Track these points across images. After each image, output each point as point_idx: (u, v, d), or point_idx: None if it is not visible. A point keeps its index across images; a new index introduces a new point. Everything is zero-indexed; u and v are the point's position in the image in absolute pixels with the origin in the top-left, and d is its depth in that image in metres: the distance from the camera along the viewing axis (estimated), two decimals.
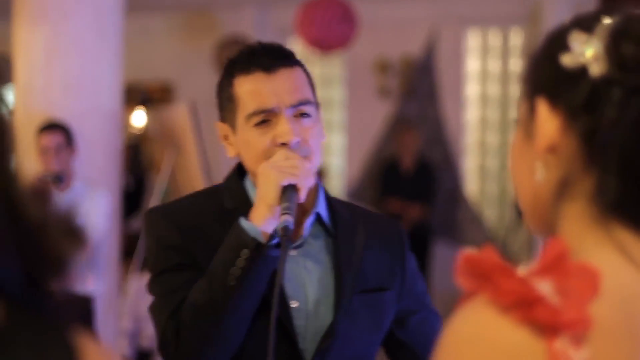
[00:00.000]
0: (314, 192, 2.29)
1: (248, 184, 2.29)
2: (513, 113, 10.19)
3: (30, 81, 6.28)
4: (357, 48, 9.01)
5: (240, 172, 2.32)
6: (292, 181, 2.11)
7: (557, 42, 1.20)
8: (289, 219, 2.06)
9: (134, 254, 6.59)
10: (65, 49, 6.25)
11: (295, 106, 2.20)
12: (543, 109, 1.20)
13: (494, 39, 10.34)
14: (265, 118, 2.19)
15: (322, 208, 2.31)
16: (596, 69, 1.15)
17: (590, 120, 1.15)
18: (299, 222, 2.24)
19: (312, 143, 2.22)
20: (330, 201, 2.34)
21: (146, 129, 11.14)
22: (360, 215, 2.37)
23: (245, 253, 2.07)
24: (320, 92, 9.45)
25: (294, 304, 2.20)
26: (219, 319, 2.10)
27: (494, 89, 10.33)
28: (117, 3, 6.49)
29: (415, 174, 9.68)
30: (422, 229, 9.56)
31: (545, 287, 1.06)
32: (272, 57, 2.23)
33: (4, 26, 7.18)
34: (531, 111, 1.23)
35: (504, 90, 10.28)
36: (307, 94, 2.25)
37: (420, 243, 9.63)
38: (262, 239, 2.09)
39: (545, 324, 1.05)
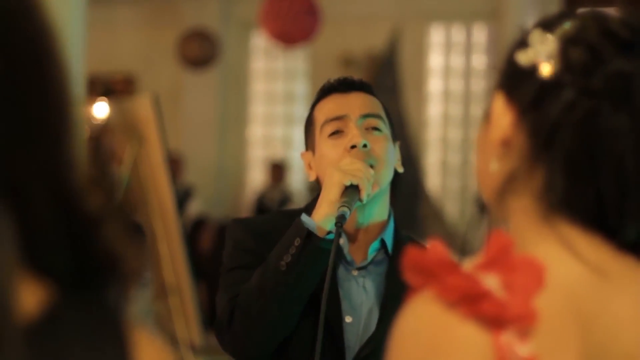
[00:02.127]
0: (383, 222, 2.40)
1: None
2: (475, 109, 10.24)
3: None
4: (320, 42, 9.02)
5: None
6: (354, 181, 2.20)
7: (520, 39, 1.23)
8: (346, 211, 2.17)
9: None
10: None
11: (365, 116, 2.32)
12: (499, 103, 1.22)
13: (457, 34, 10.39)
14: (338, 128, 2.31)
15: (388, 236, 2.40)
16: (545, 69, 1.18)
17: (538, 117, 1.17)
18: (364, 246, 2.36)
19: (380, 153, 2.30)
20: (398, 232, 2.42)
21: (108, 120, 11.09)
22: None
23: (297, 241, 2.19)
24: (283, 86, 9.33)
25: (348, 319, 2.30)
26: (267, 303, 2.21)
27: (456, 85, 10.37)
28: None
29: None
30: None
31: (490, 282, 1.07)
32: (348, 84, 2.40)
33: None
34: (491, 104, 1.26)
35: (466, 86, 10.33)
36: (378, 111, 2.36)
37: None
38: (316, 231, 2.20)
39: (491, 318, 1.06)
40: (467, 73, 10.32)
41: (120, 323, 0.97)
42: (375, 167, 2.28)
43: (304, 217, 2.23)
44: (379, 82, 10.34)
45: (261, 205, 9.94)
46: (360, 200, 2.22)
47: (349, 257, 2.33)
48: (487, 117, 1.27)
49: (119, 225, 0.98)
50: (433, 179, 10.42)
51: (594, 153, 1.16)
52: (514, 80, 1.21)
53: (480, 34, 10.28)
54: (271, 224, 2.40)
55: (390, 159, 2.34)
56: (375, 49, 10.39)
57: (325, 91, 2.41)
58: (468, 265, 1.10)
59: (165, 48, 10.53)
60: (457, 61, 10.38)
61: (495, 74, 1.27)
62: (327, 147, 2.32)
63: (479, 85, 10.24)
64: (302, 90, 11.03)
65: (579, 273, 1.13)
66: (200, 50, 9.44)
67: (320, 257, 2.20)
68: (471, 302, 1.06)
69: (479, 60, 10.27)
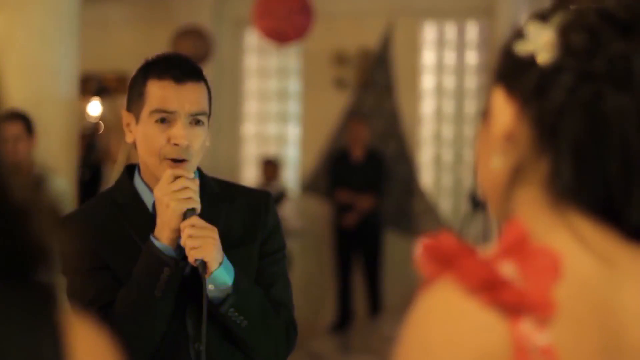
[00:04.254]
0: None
1: (137, 180, 2.63)
2: (469, 106, 10.26)
3: None
4: (313, 40, 9.02)
5: (129, 171, 2.67)
6: (189, 206, 2.46)
7: (516, 32, 1.23)
8: (200, 257, 2.42)
9: None
10: (23, 37, 6.22)
11: (192, 115, 2.55)
12: (499, 98, 1.23)
13: (450, 32, 10.39)
14: (166, 117, 2.53)
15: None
16: (545, 56, 1.18)
17: (540, 106, 1.18)
18: None
19: (196, 148, 2.56)
20: (203, 178, 2.66)
21: (102, 119, 11.08)
22: (230, 187, 2.76)
23: (167, 270, 2.44)
24: (275, 84, 9.34)
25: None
26: (142, 330, 2.48)
27: (449, 82, 10.37)
28: None
29: (365, 164, 9.71)
30: (374, 220, 9.60)
31: (508, 270, 1.08)
32: (183, 71, 2.57)
33: None
34: (491, 99, 1.26)
35: (459, 83, 10.33)
36: (205, 107, 2.60)
37: (372, 234, 9.67)
38: (176, 256, 2.46)
39: (510, 306, 1.06)
40: (460, 70, 10.32)
41: (53, 309, 0.98)
42: (191, 160, 2.54)
43: (157, 243, 2.46)
44: (372, 79, 10.36)
45: None
46: (197, 212, 2.48)
47: None
48: (485, 115, 1.27)
49: (47, 216, 1.00)
50: (427, 175, 10.42)
51: (599, 136, 1.16)
52: (513, 72, 1.22)
53: (473, 31, 10.29)
54: (90, 212, 2.65)
55: (203, 147, 2.60)
56: (368, 46, 10.40)
57: (163, 70, 2.57)
58: (485, 253, 1.10)
59: (159, 46, 10.47)
60: (450, 58, 10.38)
61: (491, 70, 1.27)
62: (152, 131, 2.54)
63: (472, 82, 10.25)
64: (295, 87, 11.03)
65: (589, 262, 1.14)
66: (193, 48, 9.43)
67: (182, 274, 2.48)
68: (490, 290, 1.07)
69: (472, 57, 10.27)
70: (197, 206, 2.47)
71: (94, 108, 11.38)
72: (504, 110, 1.22)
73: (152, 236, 2.47)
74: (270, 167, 10.02)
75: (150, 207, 2.57)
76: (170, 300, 2.47)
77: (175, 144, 2.51)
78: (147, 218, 2.55)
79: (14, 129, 5.74)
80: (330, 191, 9.89)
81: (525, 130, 1.20)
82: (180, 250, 2.46)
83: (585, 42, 1.17)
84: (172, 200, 2.44)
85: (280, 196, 9.76)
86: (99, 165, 10.36)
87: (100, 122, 10.83)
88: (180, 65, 2.59)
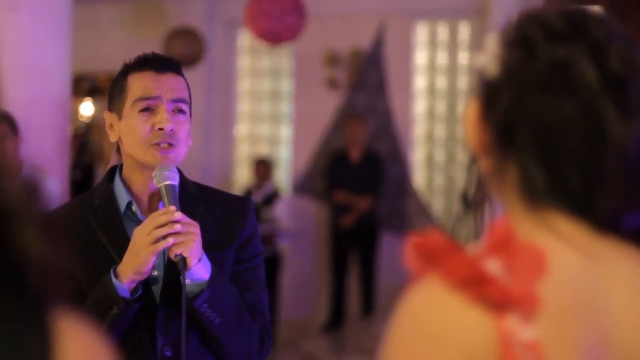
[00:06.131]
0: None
1: (116, 184, 2.64)
2: (461, 106, 10.26)
3: None
4: (306, 40, 9.02)
5: (111, 174, 2.67)
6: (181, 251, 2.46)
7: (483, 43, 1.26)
8: (179, 252, 2.44)
9: None
10: (15, 38, 6.21)
11: (175, 101, 2.58)
12: (471, 107, 1.25)
13: (442, 32, 10.41)
14: (149, 105, 2.56)
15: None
16: (491, 70, 1.21)
17: (493, 117, 1.20)
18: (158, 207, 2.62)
19: (181, 135, 2.58)
20: (183, 181, 2.65)
21: (94, 119, 11.08)
22: (209, 191, 2.75)
23: (116, 309, 2.45)
24: (268, 84, 9.31)
25: (154, 272, 2.57)
26: None
27: (442, 82, 10.39)
28: None
29: (363, 165, 9.72)
30: (371, 220, 9.61)
31: (493, 266, 1.09)
32: (162, 63, 2.62)
33: None
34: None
35: (451, 83, 10.34)
36: (186, 96, 2.63)
37: (368, 234, 9.68)
38: (129, 297, 2.47)
39: (495, 302, 1.07)
40: (453, 70, 10.34)
41: (42, 313, 0.98)
42: (176, 146, 2.56)
43: (117, 283, 2.46)
44: (365, 80, 10.37)
45: None
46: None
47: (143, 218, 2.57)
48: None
49: (34, 222, 1.00)
50: (419, 176, 10.43)
51: (551, 144, 1.17)
52: (476, 82, 1.24)
53: (465, 32, 10.30)
54: (74, 217, 2.61)
55: (187, 140, 2.62)
56: (360, 47, 10.40)
57: (142, 63, 2.61)
58: (471, 250, 1.11)
59: (151, 47, 10.43)
60: (442, 58, 10.39)
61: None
62: (137, 122, 2.56)
63: (465, 82, 10.27)
64: (288, 88, 11.03)
65: (574, 259, 1.15)
66: (186, 49, 9.43)
67: (133, 311, 2.49)
68: (475, 286, 1.08)
69: (464, 58, 10.28)
70: (191, 254, 2.47)
71: (87, 108, 11.39)
72: (474, 119, 1.24)
73: (113, 270, 2.49)
74: (263, 166, 10.00)
75: (123, 209, 2.60)
76: (118, 332, 2.48)
77: (160, 129, 2.54)
78: (118, 222, 2.59)
79: None
80: (328, 191, 9.90)
81: (489, 138, 1.22)
82: (137, 289, 2.50)
83: (521, 56, 1.19)
84: (147, 250, 2.44)
85: (273, 196, 9.76)
86: (91, 165, 10.36)
87: (93, 122, 10.83)
88: (160, 59, 2.64)
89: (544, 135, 1.17)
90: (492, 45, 1.22)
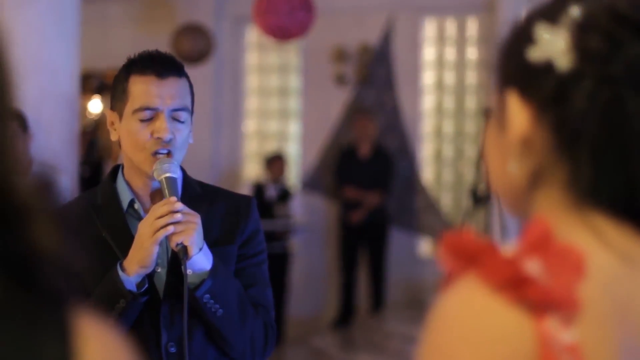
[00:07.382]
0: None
1: (119, 183, 2.69)
2: (469, 101, 10.26)
3: None
4: (314, 36, 9.01)
5: (114, 172, 2.73)
6: (178, 241, 2.49)
7: (524, 33, 1.21)
8: (180, 241, 2.47)
9: None
10: (23, 35, 6.22)
11: (174, 110, 2.60)
12: (514, 102, 1.21)
13: (451, 27, 10.39)
14: (150, 115, 2.59)
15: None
16: (563, 63, 1.16)
17: (560, 112, 1.16)
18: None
19: (179, 141, 2.61)
20: (187, 179, 2.71)
21: (102, 116, 11.09)
22: (212, 190, 2.79)
23: (123, 302, 2.50)
24: (276, 80, 9.33)
25: (158, 269, 2.60)
26: None
27: (450, 77, 10.37)
28: None
29: (372, 161, 9.72)
30: (380, 216, 9.61)
31: (533, 267, 1.07)
32: (165, 66, 2.63)
33: None
34: (502, 102, 1.24)
35: (460, 79, 10.33)
36: (187, 103, 2.65)
37: (378, 230, 9.68)
38: (135, 290, 2.51)
39: (536, 303, 1.06)
40: (461, 66, 10.32)
41: (60, 311, 0.96)
42: (175, 153, 2.59)
43: (124, 276, 2.50)
44: (373, 75, 10.36)
45: (260, 199, 9.89)
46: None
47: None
48: (490, 115, 1.26)
49: (48, 218, 0.98)
50: (428, 171, 10.42)
51: (620, 139, 1.15)
52: (527, 78, 1.20)
53: (473, 27, 10.28)
54: (78, 214, 2.66)
55: (186, 143, 2.65)
56: (368, 42, 10.39)
57: (145, 65, 2.63)
58: (507, 250, 1.10)
59: (159, 43, 10.46)
60: (451, 54, 10.38)
61: (496, 70, 1.25)
62: (136, 128, 2.60)
63: (473, 77, 10.25)
64: (296, 84, 11.02)
65: (612, 261, 1.14)
66: (194, 46, 9.43)
67: (141, 304, 2.54)
68: (515, 287, 1.06)
69: (473, 53, 10.27)
70: (190, 242, 2.50)
71: (95, 105, 11.40)
72: (520, 115, 1.20)
73: (119, 264, 2.53)
74: (279, 162, 9.90)
75: (125, 206, 2.65)
76: (124, 327, 2.51)
77: (159, 137, 2.57)
78: (121, 219, 2.63)
79: None
80: (337, 187, 9.89)
81: (543, 135, 1.18)
82: (143, 283, 2.53)
83: (602, 46, 1.16)
84: (149, 241, 2.48)
85: (288, 193, 9.75)
86: (99, 162, 10.38)
87: (101, 119, 10.84)
88: (162, 61, 2.65)
89: (616, 129, 1.15)
90: (555, 36, 1.18)
